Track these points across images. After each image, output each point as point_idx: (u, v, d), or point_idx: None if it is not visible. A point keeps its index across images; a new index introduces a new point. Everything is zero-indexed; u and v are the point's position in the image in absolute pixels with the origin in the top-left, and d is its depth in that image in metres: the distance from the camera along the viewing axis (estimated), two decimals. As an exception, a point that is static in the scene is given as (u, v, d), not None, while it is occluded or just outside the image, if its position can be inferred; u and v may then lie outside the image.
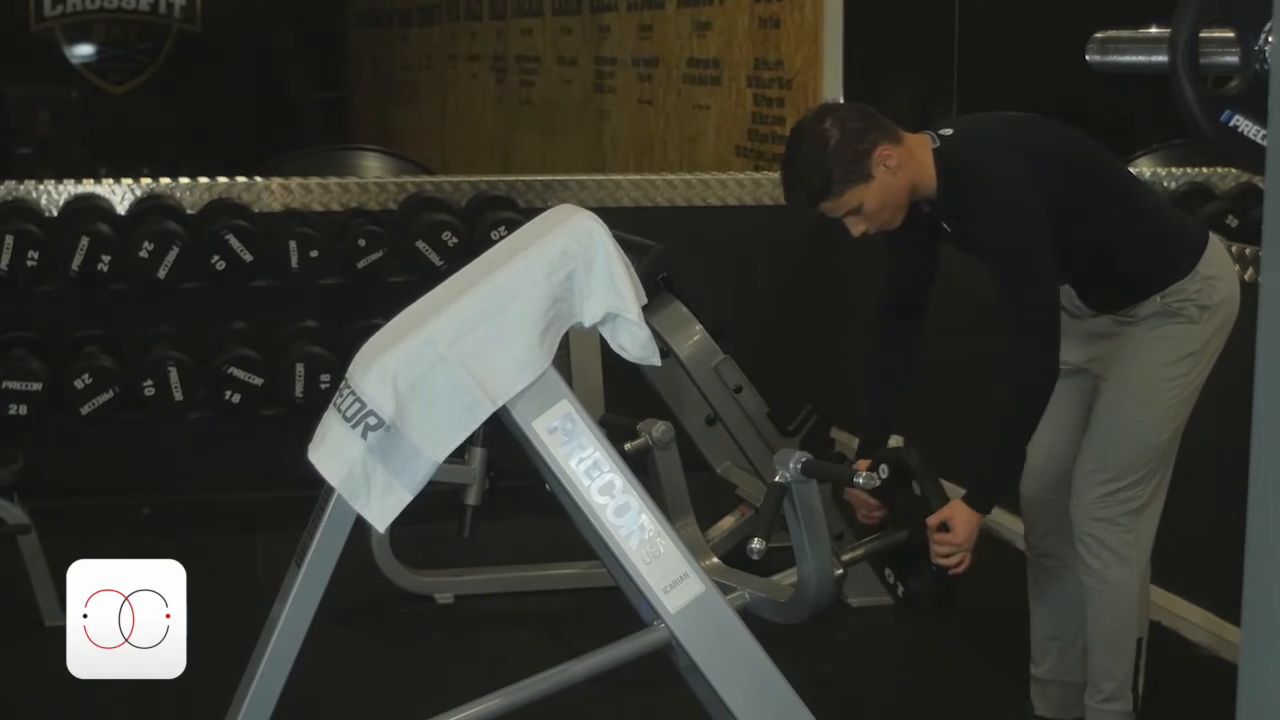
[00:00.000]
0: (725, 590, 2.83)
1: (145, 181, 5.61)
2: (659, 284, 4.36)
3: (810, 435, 4.43)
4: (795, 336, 5.88)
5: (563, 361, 3.93)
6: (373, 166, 6.90)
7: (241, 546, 4.83)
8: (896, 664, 3.89)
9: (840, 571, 3.01)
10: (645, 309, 2.64)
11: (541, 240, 2.62)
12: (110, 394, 5.16)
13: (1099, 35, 2.44)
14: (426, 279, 3.53)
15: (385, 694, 3.89)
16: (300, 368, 5.28)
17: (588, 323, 2.63)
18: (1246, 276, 3.87)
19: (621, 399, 4.30)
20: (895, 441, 3.55)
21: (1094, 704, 3.39)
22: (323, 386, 5.20)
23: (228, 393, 5.25)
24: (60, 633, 2.70)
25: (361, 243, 5.43)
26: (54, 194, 5.50)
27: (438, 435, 2.55)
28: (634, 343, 2.65)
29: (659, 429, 3.70)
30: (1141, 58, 2.29)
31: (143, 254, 5.25)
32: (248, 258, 5.33)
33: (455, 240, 5.42)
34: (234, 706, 2.65)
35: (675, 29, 7.31)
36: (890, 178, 3.14)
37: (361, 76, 12.79)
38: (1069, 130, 3.35)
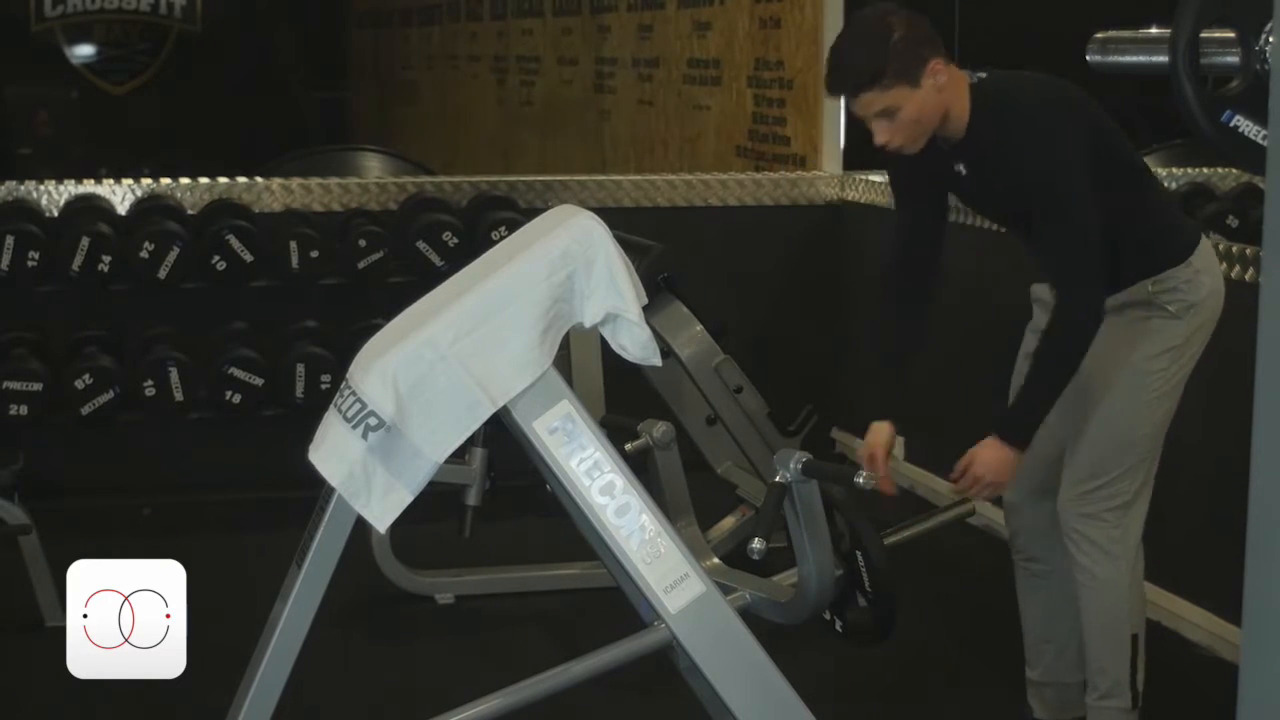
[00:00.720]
0: (726, 591, 2.83)
1: (145, 181, 5.62)
2: (659, 284, 4.36)
3: (810, 435, 4.44)
4: (795, 336, 5.88)
5: (563, 362, 3.92)
6: (373, 167, 6.89)
7: (242, 546, 4.82)
8: (896, 665, 3.88)
9: (840, 572, 3.00)
10: (646, 309, 2.64)
11: (542, 241, 2.62)
12: (110, 394, 5.17)
13: (1099, 35, 2.44)
14: (427, 279, 3.54)
15: (385, 694, 3.89)
16: (301, 368, 5.28)
17: (588, 323, 2.62)
18: (1247, 277, 3.88)
19: (621, 399, 4.30)
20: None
21: (1092, 701, 3.39)
22: (323, 387, 5.20)
23: (228, 393, 5.26)
24: (60, 633, 2.69)
25: (362, 243, 5.43)
26: (54, 194, 5.50)
27: (438, 436, 2.55)
28: (634, 343, 2.64)
29: (659, 429, 3.70)
30: (1142, 58, 2.30)
31: (143, 254, 5.25)
32: (248, 258, 5.33)
33: (455, 240, 5.42)
34: (234, 706, 2.65)
35: (675, 29, 7.31)
36: (934, 94, 3.13)
37: (362, 77, 12.79)
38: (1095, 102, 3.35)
